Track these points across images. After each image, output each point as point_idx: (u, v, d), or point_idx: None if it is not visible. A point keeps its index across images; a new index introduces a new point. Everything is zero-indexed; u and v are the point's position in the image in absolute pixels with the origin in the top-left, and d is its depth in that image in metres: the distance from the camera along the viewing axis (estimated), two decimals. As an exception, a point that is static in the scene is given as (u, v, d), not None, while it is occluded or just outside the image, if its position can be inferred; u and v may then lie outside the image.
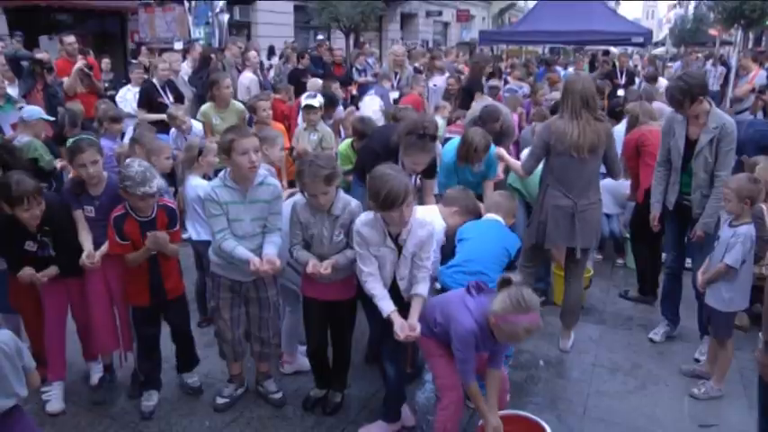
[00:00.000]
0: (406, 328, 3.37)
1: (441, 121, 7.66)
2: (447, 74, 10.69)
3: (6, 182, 3.75)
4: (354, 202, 3.70)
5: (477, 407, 3.34)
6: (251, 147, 3.66)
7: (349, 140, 6.03)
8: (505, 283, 3.05)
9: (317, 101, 6.39)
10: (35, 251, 3.92)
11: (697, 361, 4.63)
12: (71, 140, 3.84)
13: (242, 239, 3.78)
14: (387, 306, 3.44)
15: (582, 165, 4.49)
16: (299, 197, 3.72)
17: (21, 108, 7.15)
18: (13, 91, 7.83)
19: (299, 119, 7.08)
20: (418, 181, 4.58)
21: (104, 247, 3.99)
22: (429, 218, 3.66)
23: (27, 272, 3.88)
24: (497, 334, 3.07)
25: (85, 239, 4.00)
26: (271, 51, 16.30)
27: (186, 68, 10.57)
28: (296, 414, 4.07)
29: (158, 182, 3.79)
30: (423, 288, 3.52)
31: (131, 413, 4.10)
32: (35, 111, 6.47)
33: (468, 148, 4.96)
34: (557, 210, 4.58)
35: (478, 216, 4.17)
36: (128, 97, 8.64)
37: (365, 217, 3.48)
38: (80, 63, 9.00)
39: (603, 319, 5.43)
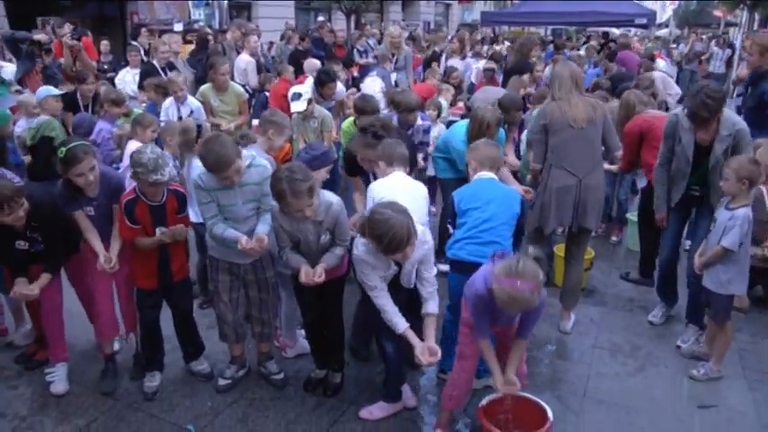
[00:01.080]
0: (426, 354, 3.42)
1: (444, 103, 7.65)
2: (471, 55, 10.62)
3: None
4: (335, 202, 3.65)
5: (488, 362, 3.40)
6: None
7: (351, 119, 6.01)
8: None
9: (303, 103, 6.17)
10: (27, 249, 3.91)
11: (678, 348, 4.63)
12: (64, 149, 3.71)
13: (237, 223, 3.80)
14: (400, 323, 3.48)
15: (582, 137, 4.51)
16: (275, 204, 3.61)
17: (17, 91, 7.18)
18: (10, 72, 7.82)
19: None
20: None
21: (116, 246, 4.00)
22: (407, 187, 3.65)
23: (19, 291, 3.87)
24: (495, 298, 3.06)
25: (94, 239, 3.99)
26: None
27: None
28: (297, 395, 4.12)
29: (170, 170, 3.78)
30: (433, 306, 3.54)
31: (135, 394, 4.15)
32: (44, 90, 6.52)
33: (480, 125, 4.87)
34: (561, 192, 4.56)
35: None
36: (127, 79, 8.67)
37: (365, 247, 3.39)
38: (66, 38, 8.94)
39: (604, 300, 5.46)
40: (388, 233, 3.16)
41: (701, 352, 4.49)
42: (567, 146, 4.55)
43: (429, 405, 4.02)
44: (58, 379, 4.20)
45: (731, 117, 4.30)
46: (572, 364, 4.50)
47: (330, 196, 3.69)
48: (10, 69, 7.88)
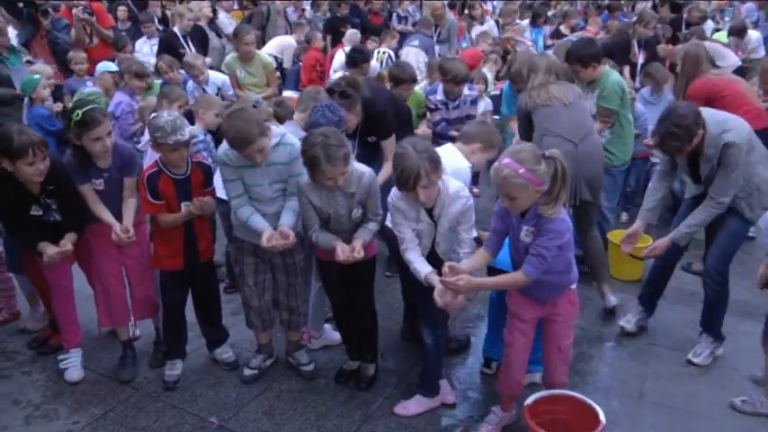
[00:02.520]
0: (448, 294, 3.34)
1: (489, 76, 7.59)
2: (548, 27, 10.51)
3: (7, 132, 3.72)
4: (367, 173, 3.66)
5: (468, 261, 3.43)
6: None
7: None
8: None
9: None
10: (41, 215, 3.96)
11: (690, 362, 4.42)
12: (80, 112, 3.72)
13: (261, 204, 3.82)
14: (423, 268, 3.46)
15: (571, 109, 4.66)
16: (302, 178, 3.66)
17: (28, 62, 7.30)
18: (13, 36, 7.93)
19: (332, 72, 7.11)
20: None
21: (129, 216, 4.04)
22: (448, 165, 3.57)
23: (52, 252, 3.90)
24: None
25: (104, 212, 4.01)
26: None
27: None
28: (328, 387, 4.14)
29: (188, 129, 3.81)
30: (469, 263, 3.46)
31: (154, 383, 4.22)
32: (102, 65, 6.76)
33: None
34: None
35: (501, 149, 4.11)
36: (144, 50, 8.64)
37: (398, 192, 3.48)
38: (77, 10, 8.97)
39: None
40: (400, 166, 3.26)
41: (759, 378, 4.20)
42: (558, 116, 4.66)
43: (469, 402, 4.01)
44: (72, 366, 4.28)
45: (715, 130, 3.96)
46: (627, 362, 4.45)
47: (361, 167, 3.70)
48: (12, 34, 7.98)
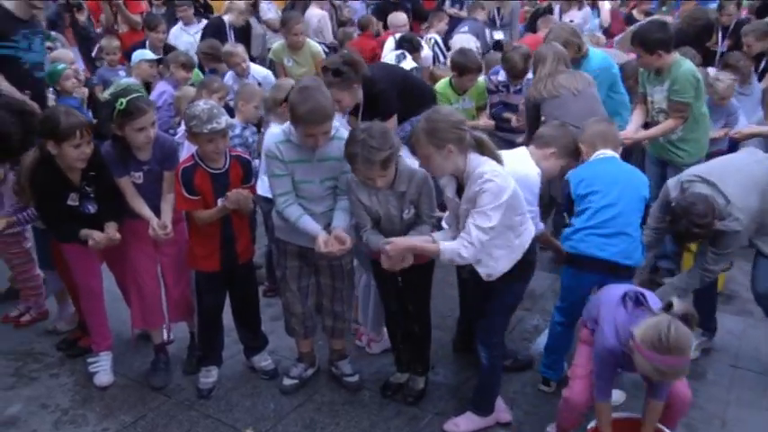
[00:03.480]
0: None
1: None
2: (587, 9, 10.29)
3: (54, 114, 3.82)
4: (420, 173, 3.62)
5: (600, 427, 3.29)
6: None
7: (447, 79, 6.04)
8: (667, 308, 2.91)
9: (410, 61, 6.41)
10: (77, 205, 4.01)
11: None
12: (124, 101, 3.78)
13: (310, 202, 3.79)
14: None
15: (579, 98, 4.82)
16: (352, 175, 3.64)
17: (48, 48, 7.44)
18: None
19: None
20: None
21: (167, 211, 4.05)
22: (512, 171, 3.45)
23: (97, 237, 3.92)
24: (634, 360, 2.94)
25: (142, 206, 4.04)
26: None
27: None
28: (373, 401, 4.10)
29: (225, 117, 3.80)
30: (447, 244, 3.32)
31: (187, 390, 4.23)
32: (138, 53, 6.83)
33: None
34: None
35: (578, 156, 4.04)
36: (184, 38, 8.61)
37: None
38: None
39: (747, 309, 5.15)
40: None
41: None
42: (567, 105, 4.80)
43: (527, 422, 3.92)
44: (101, 370, 4.32)
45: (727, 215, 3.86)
46: (706, 386, 4.26)
47: (414, 163, 3.66)
48: None
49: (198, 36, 8.53)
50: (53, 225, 4.14)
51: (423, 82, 5.73)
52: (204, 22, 8.90)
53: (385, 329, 4.47)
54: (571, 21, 9.81)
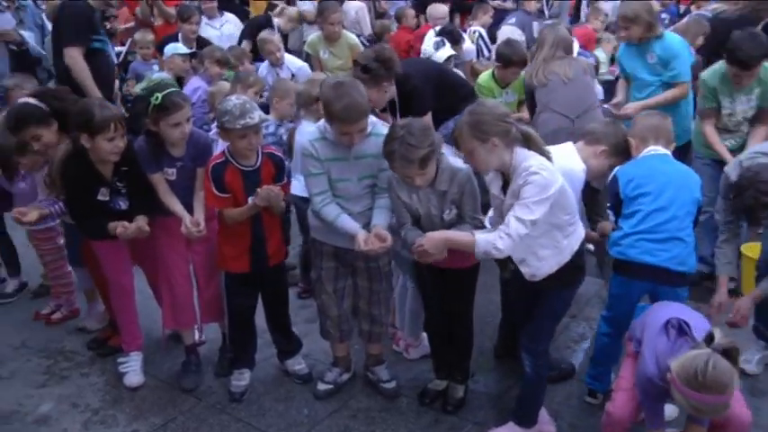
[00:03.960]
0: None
1: (602, 56, 7.36)
2: None
3: (88, 107, 3.87)
4: (463, 169, 3.58)
5: None
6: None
7: (489, 71, 6.05)
8: (709, 340, 2.82)
9: (448, 49, 6.42)
10: (107, 201, 4.05)
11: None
12: (160, 95, 3.82)
13: (347, 201, 3.79)
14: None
15: (569, 85, 4.89)
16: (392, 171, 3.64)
17: None
18: None
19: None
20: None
21: (201, 210, 4.07)
22: (559, 166, 3.40)
23: (126, 229, 3.95)
24: (671, 393, 2.88)
25: (175, 203, 4.07)
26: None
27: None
28: (411, 408, 4.09)
29: (259, 113, 3.80)
30: (483, 235, 3.27)
31: (219, 393, 4.26)
32: (170, 47, 6.94)
33: None
34: (553, 137, 4.29)
35: (629, 156, 3.95)
36: (210, 32, 8.54)
37: None
38: None
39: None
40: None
41: None
42: (555, 92, 4.91)
43: (571, 433, 3.88)
44: (131, 370, 4.37)
45: None
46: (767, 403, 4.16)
47: (457, 162, 3.62)
48: None
49: (225, 28, 8.56)
50: (81, 220, 4.17)
51: (460, 77, 5.72)
52: (226, 14, 8.93)
53: (424, 334, 4.46)
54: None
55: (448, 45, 6.48)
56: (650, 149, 3.81)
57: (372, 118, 3.79)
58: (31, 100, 4.33)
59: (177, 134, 3.90)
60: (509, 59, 5.71)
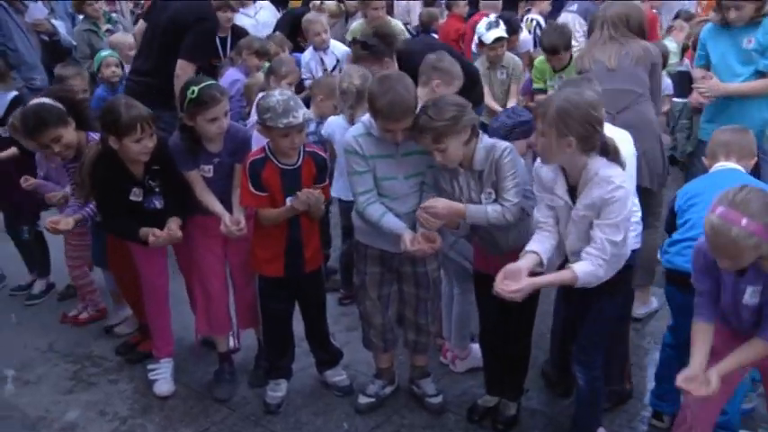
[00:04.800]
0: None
1: (672, 46, 7.21)
2: None
3: (114, 107, 3.90)
4: (500, 148, 3.52)
5: (692, 347, 3.12)
6: None
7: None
8: None
9: (500, 31, 6.31)
10: (141, 201, 4.09)
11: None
12: (196, 89, 3.83)
13: (393, 201, 3.77)
14: (531, 245, 3.33)
15: (612, 75, 4.60)
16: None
17: (108, 31, 7.65)
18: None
19: (473, 47, 7.02)
20: None
21: (240, 210, 4.07)
22: (630, 182, 3.37)
23: (159, 233, 3.99)
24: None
25: (214, 202, 4.09)
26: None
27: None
28: (458, 425, 4.06)
29: (305, 112, 3.80)
30: (582, 267, 3.20)
31: (253, 404, 4.27)
32: None
33: None
34: None
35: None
36: (245, 21, 8.57)
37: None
38: None
39: None
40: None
41: None
42: (602, 82, 4.44)
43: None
44: (162, 378, 4.41)
45: None
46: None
47: (494, 141, 3.59)
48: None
49: (260, 15, 8.57)
50: (113, 222, 4.20)
51: (467, 61, 5.78)
52: (260, 1, 8.95)
53: (472, 345, 4.43)
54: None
55: (502, 26, 6.40)
56: (718, 165, 3.78)
57: None
58: (47, 100, 4.38)
59: (214, 129, 3.91)
60: (553, 46, 5.81)
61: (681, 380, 3.01)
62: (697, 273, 3.10)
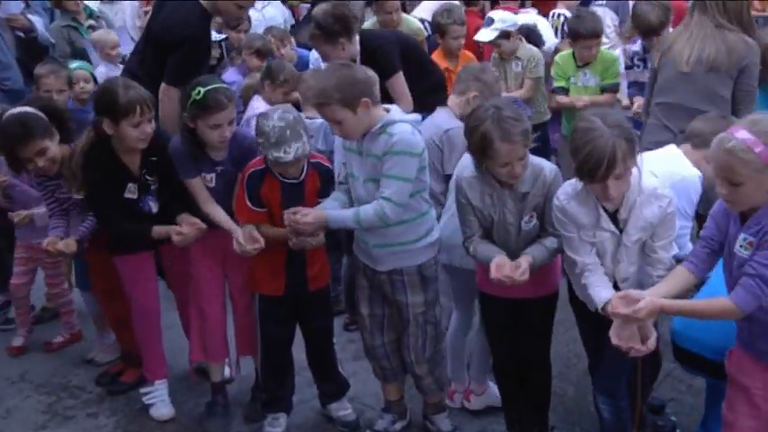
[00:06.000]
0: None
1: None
2: None
3: (111, 87, 3.91)
4: (548, 170, 3.55)
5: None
6: None
7: (570, 50, 6.14)
8: None
9: (491, 32, 6.33)
10: (136, 199, 4.08)
11: None
12: (202, 90, 3.82)
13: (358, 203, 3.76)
14: (601, 294, 3.24)
15: (685, 80, 4.46)
16: (464, 167, 3.59)
17: (90, 27, 7.61)
18: None
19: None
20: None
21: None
22: (668, 173, 3.39)
23: (189, 230, 3.99)
24: None
25: (220, 214, 4.04)
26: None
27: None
28: (476, 466, 4.04)
29: (300, 147, 3.66)
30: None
31: (250, 440, 4.23)
32: None
33: None
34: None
35: None
36: (267, 13, 8.62)
37: (570, 188, 3.36)
38: None
39: None
40: (584, 148, 3.05)
41: None
42: (671, 89, 4.57)
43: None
44: (159, 400, 4.39)
45: None
46: None
47: (541, 160, 3.58)
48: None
49: (266, 11, 8.62)
50: (109, 223, 4.16)
51: (428, 57, 6.02)
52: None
53: (488, 381, 4.38)
54: None
55: (495, 26, 6.36)
56: None
57: (391, 114, 3.70)
58: (29, 109, 4.33)
59: (215, 137, 3.90)
60: (576, 32, 5.78)
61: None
62: (709, 217, 3.14)
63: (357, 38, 5.15)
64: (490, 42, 6.44)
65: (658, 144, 4.21)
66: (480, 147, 3.36)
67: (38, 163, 4.21)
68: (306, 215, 3.59)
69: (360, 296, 3.99)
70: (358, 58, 5.03)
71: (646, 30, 5.64)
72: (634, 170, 3.14)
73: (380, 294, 3.93)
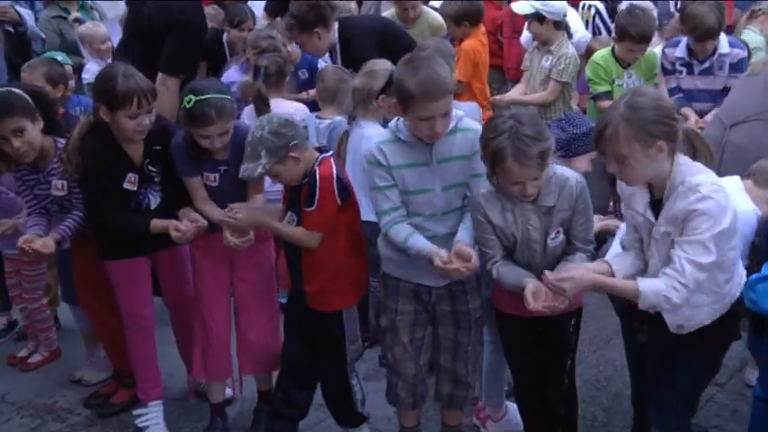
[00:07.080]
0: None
1: (756, 39, 7.10)
2: None
3: (111, 74, 3.92)
4: (573, 180, 3.52)
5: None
6: None
7: (609, 48, 6.09)
8: None
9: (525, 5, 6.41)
10: (134, 191, 4.08)
11: None
12: (193, 99, 3.85)
13: (428, 220, 3.71)
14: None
15: (747, 82, 4.65)
16: (480, 184, 3.59)
17: (76, 20, 7.64)
18: None
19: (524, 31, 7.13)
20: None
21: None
22: (725, 193, 3.27)
23: (187, 227, 3.98)
24: None
25: (215, 212, 4.03)
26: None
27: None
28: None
29: (250, 169, 3.70)
30: (649, 283, 3.15)
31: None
32: None
33: None
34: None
35: None
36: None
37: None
38: None
39: None
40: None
41: None
42: (735, 86, 4.77)
43: None
44: (153, 423, 4.37)
45: None
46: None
47: (566, 171, 3.55)
48: None
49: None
50: (109, 218, 4.12)
51: (410, 38, 6.18)
52: None
53: (508, 404, 4.36)
54: None
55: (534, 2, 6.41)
56: None
57: (457, 111, 3.70)
58: (16, 90, 4.31)
59: (206, 145, 3.94)
60: (624, 31, 5.74)
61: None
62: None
63: (336, 26, 5.54)
64: (528, 22, 6.51)
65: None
66: (492, 162, 3.34)
67: (13, 143, 4.11)
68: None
69: (399, 323, 3.91)
70: (337, 46, 5.65)
71: (703, 33, 5.47)
72: (683, 164, 3.12)
73: (427, 314, 3.91)
